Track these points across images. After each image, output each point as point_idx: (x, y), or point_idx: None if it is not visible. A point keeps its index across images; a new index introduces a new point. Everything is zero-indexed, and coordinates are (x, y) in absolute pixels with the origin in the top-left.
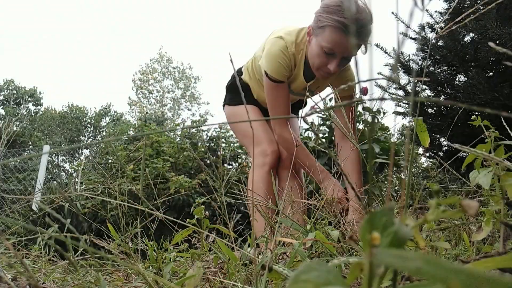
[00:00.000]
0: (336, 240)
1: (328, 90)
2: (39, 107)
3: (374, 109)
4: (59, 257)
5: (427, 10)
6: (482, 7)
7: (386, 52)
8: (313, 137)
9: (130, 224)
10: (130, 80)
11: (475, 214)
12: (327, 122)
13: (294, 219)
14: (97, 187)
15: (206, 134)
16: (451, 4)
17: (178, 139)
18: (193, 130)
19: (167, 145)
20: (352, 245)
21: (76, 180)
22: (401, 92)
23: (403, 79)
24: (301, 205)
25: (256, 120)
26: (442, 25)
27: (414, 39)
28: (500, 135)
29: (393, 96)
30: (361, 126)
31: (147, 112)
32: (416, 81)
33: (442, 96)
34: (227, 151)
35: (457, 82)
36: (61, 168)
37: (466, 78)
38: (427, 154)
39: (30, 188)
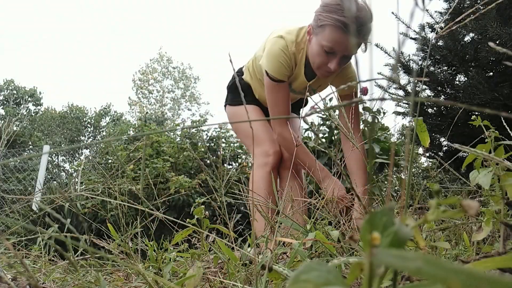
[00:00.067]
0: (336, 240)
1: (328, 90)
2: (39, 107)
3: (374, 109)
4: (59, 257)
5: (427, 10)
6: (482, 7)
7: (386, 52)
8: (313, 137)
9: (130, 224)
10: (130, 80)
11: (475, 214)
12: (327, 122)
13: (294, 219)
14: (97, 187)
15: (206, 134)
16: (451, 4)
17: (178, 139)
18: (193, 130)
19: (167, 145)
20: (352, 245)
21: (76, 180)
22: (401, 92)
23: (403, 79)
24: (301, 205)
25: (257, 120)
26: (442, 25)
27: (414, 39)
28: (500, 135)
29: (393, 96)
30: (361, 126)
31: (147, 112)
32: (416, 81)
33: (442, 96)
34: (227, 151)
35: (457, 82)
36: (61, 168)
37: (466, 78)
38: (427, 154)
39: (30, 188)
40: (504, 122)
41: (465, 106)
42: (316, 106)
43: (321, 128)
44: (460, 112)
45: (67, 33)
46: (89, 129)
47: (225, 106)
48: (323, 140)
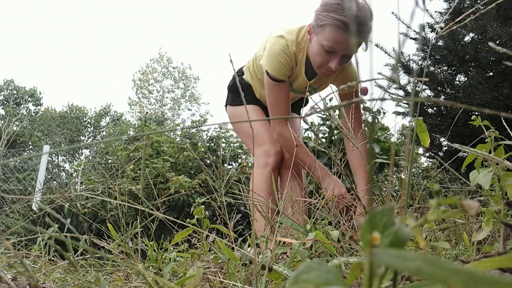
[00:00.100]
0: (336, 240)
1: (328, 90)
2: (39, 107)
3: (374, 109)
4: (59, 257)
5: (427, 10)
6: (482, 7)
7: (386, 52)
8: (313, 137)
9: (130, 224)
10: (130, 80)
11: (475, 214)
12: (327, 122)
13: (294, 219)
14: (97, 187)
15: (206, 134)
16: (451, 4)
17: (178, 139)
18: (193, 130)
19: (167, 145)
20: (352, 245)
21: (76, 180)
22: (401, 92)
23: (403, 79)
24: (301, 205)
25: (259, 120)
26: (442, 25)
27: (414, 39)
28: (500, 135)
29: (393, 96)
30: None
31: (147, 112)
32: (416, 81)
33: (442, 96)
34: (227, 151)
35: (457, 82)
36: (61, 168)
37: (466, 78)
38: (427, 154)
39: (30, 188)
40: (504, 122)
41: (465, 106)
42: (316, 106)
43: (321, 128)
44: (460, 112)
45: (67, 33)
46: (89, 129)
47: (226, 106)
48: (323, 140)
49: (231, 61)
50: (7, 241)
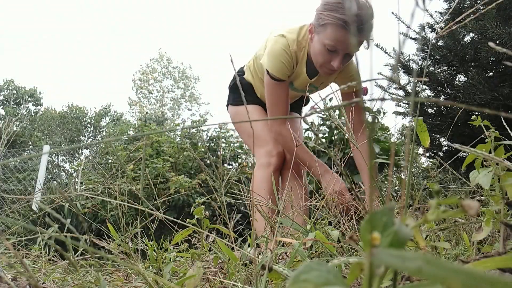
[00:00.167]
0: (336, 240)
1: (328, 90)
2: (39, 107)
3: (374, 109)
4: (59, 257)
5: (427, 10)
6: (482, 7)
7: (386, 52)
8: (313, 137)
9: (130, 224)
10: (130, 80)
11: (475, 214)
12: (327, 122)
13: (294, 219)
14: (97, 187)
15: (206, 134)
16: (451, 4)
17: (178, 139)
18: (193, 130)
19: (167, 145)
20: (352, 245)
21: (76, 180)
22: (401, 92)
23: (403, 79)
24: (301, 205)
25: (260, 120)
26: (442, 25)
27: (414, 39)
28: (500, 135)
29: (393, 96)
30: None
31: (147, 112)
32: (416, 81)
33: (442, 96)
34: (227, 151)
35: (457, 82)
36: (61, 168)
37: (466, 78)
38: (427, 154)
39: (30, 188)
40: (504, 122)
41: (465, 106)
42: (316, 106)
43: (321, 128)
44: (460, 112)
45: (67, 33)
46: (89, 129)
47: (227, 106)
48: (323, 140)
49: (231, 61)
50: (7, 241)
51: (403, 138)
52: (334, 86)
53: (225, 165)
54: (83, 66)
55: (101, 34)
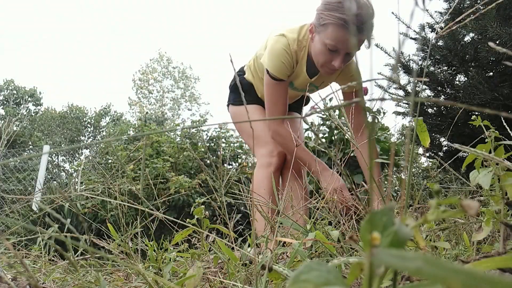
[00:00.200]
0: (336, 240)
1: (328, 90)
2: (39, 107)
3: (374, 109)
4: (59, 257)
5: (427, 10)
6: (482, 7)
7: (386, 52)
8: (313, 137)
9: (130, 224)
10: (130, 80)
11: (475, 214)
12: (327, 122)
13: (294, 219)
14: (97, 187)
15: (206, 134)
16: (451, 4)
17: (178, 139)
18: (193, 130)
19: (167, 145)
20: (352, 245)
21: (76, 180)
22: (401, 92)
23: (403, 79)
24: (301, 205)
25: (261, 120)
26: (442, 25)
27: (414, 39)
28: (500, 135)
29: (393, 96)
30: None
31: (147, 112)
32: (416, 81)
33: (442, 96)
34: (227, 151)
35: (457, 82)
36: (61, 168)
37: (466, 78)
38: (427, 154)
39: (30, 188)
40: (504, 122)
41: (465, 106)
42: (316, 106)
43: (321, 128)
44: (460, 112)
45: (67, 33)
46: (89, 129)
47: (228, 106)
48: (323, 140)
49: (231, 61)
50: (7, 241)
51: (403, 138)
52: (334, 86)
53: (225, 165)
54: (83, 66)
55: (101, 34)
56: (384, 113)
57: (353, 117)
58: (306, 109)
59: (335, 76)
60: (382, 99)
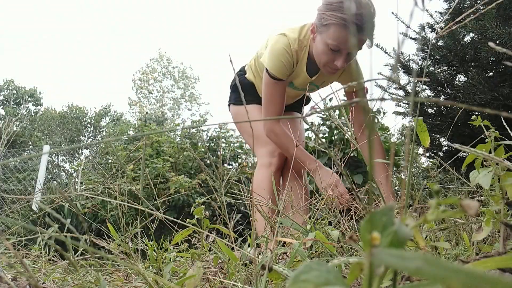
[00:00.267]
0: (336, 240)
1: (328, 90)
2: (39, 107)
3: (374, 109)
4: (59, 257)
5: (427, 10)
6: (482, 7)
7: (386, 52)
8: (313, 137)
9: (130, 224)
10: (130, 80)
11: (475, 214)
12: (327, 122)
13: (294, 219)
14: (97, 187)
15: (206, 134)
16: (451, 4)
17: (178, 139)
18: (193, 130)
19: (167, 145)
20: (352, 245)
21: (76, 180)
22: (401, 92)
23: (403, 79)
24: (301, 205)
25: (262, 120)
26: (442, 25)
27: (414, 39)
28: (500, 135)
29: (393, 96)
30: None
31: (147, 112)
32: (416, 81)
33: (442, 96)
34: (227, 151)
35: (457, 82)
36: (61, 168)
37: (466, 78)
38: (427, 154)
39: (30, 188)
40: (504, 122)
41: (465, 106)
42: (316, 106)
43: (321, 128)
44: (460, 112)
45: (67, 33)
46: (89, 129)
47: (229, 105)
48: (323, 140)
49: (231, 61)
50: (7, 241)
51: (403, 138)
52: (334, 86)
53: (225, 165)
54: (83, 66)
55: (101, 34)
56: (384, 113)
57: (356, 116)
58: (306, 109)
59: (337, 75)
60: (382, 99)
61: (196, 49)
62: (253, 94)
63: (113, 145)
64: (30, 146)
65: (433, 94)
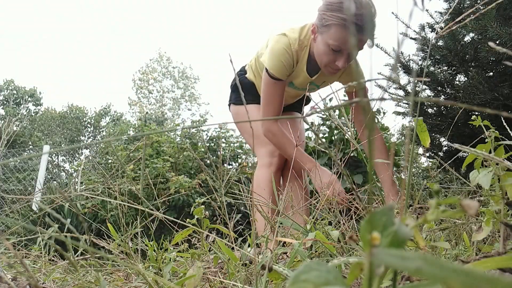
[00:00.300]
0: (336, 240)
1: (328, 90)
2: (39, 107)
3: (374, 109)
4: (59, 257)
5: (427, 10)
6: (482, 7)
7: (386, 52)
8: (313, 137)
9: (130, 224)
10: (130, 80)
11: (475, 214)
12: (327, 122)
13: (294, 219)
14: (97, 187)
15: (206, 134)
16: (451, 4)
17: (178, 139)
18: (193, 130)
19: (167, 145)
20: (352, 245)
21: (76, 180)
22: (401, 92)
23: (403, 79)
24: (301, 205)
25: (260, 120)
26: (442, 25)
27: (414, 39)
28: (500, 135)
29: (393, 96)
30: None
31: (147, 112)
32: (416, 81)
33: (442, 96)
34: (227, 151)
35: (457, 82)
36: (61, 168)
37: (466, 78)
38: (427, 154)
39: (30, 188)
40: (504, 122)
41: (465, 106)
42: (316, 106)
43: (321, 128)
44: (460, 112)
45: (67, 33)
46: (89, 129)
47: (229, 105)
48: (323, 140)
49: (231, 61)
50: (7, 241)
51: (403, 138)
52: (334, 86)
53: (225, 165)
54: (83, 66)
55: (101, 34)
56: (384, 113)
57: (357, 115)
58: (306, 109)
59: (337, 75)
60: (382, 99)
61: (196, 49)
62: (254, 94)
63: (113, 145)
64: (30, 146)
65: (433, 94)
